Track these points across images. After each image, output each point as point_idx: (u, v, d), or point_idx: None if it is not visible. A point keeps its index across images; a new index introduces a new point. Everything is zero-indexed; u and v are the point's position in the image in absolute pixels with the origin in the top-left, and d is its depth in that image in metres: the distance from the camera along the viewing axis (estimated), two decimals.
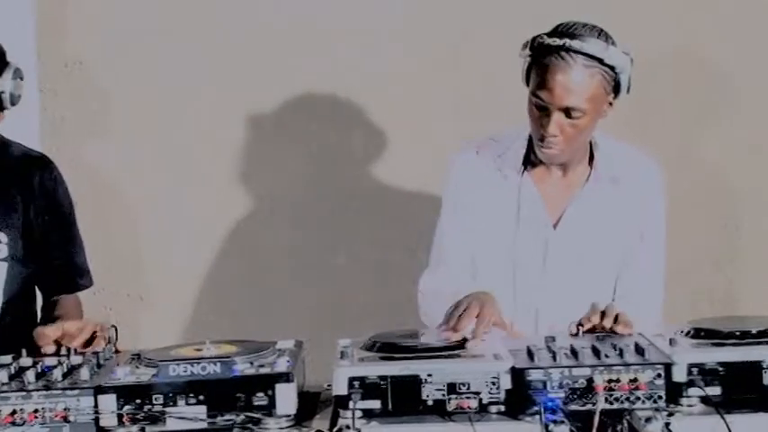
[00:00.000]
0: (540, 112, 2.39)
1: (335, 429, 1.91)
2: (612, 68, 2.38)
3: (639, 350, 2.00)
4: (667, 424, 1.90)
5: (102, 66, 3.33)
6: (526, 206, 2.52)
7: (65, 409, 1.92)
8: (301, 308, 3.36)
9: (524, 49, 2.44)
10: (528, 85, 2.44)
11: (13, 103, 2.33)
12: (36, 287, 2.55)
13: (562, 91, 2.35)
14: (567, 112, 2.37)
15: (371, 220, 3.40)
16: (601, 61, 2.37)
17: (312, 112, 3.37)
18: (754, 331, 2.06)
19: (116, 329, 2.27)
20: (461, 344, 2.10)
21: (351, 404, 1.93)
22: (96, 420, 1.93)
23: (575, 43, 2.36)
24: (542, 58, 2.37)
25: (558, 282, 2.52)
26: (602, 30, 2.41)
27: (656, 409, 1.94)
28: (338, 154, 3.40)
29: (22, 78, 2.33)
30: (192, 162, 3.34)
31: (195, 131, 3.33)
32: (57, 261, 2.49)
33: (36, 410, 1.91)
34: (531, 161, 2.54)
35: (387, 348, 2.06)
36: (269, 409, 1.95)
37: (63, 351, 2.16)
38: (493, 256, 2.55)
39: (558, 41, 2.36)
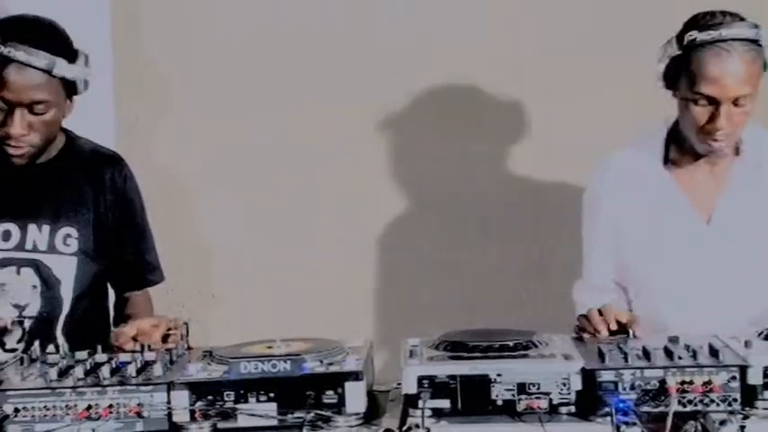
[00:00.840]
0: (705, 108, 2.34)
1: (405, 428, 1.91)
2: (761, 47, 2.34)
3: (713, 352, 1.96)
4: (742, 427, 1.86)
5: (175, 66, 3.35)
6: (672, 205, 2.48)
7: (138, 405, 1.94)
8: (370, 307, 3.35)
9: (667, 50, 2.40)
10: (671, 85, 2.40)
11: (85, 89, 2.34)
12: (108, 283, 2.57)
13: (733, 82, 2.32)
14: (736, 101, 2.32)
15: (442, 220, 3.37)
16: (755, 42, 2.33)
17: (388, 112, 3.36)
18: None
19: (187, 326, 2.29)
20: (531, 343, 2.07)
21: (420, 403, 1.92)
22: (169, 416, 1.94)
23: (730, 32, 2.33)
24: (699, 54, 2.33)
25: (717, 279, 2.46)
26: (733, 12, 2.38)
27: (731, 412, 1.89)
28: (413, 154, 3.36)
29: (90, 65, 2.34)
30: (262, 162, 3.36)
31: (266, 132, 3.34)
32: (127, 257, 2.52)
33: (111, 405, 1.94)
34: (670, 159, 2.49)
35: (456, 347, 2.04)
36: (338, 408, 1.95)
37: (137, 347, 2.18)
38: (643, 259, 2.51)
39: (713, 33, 2.33)
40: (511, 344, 2.04)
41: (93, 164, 2.46)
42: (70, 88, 2.33)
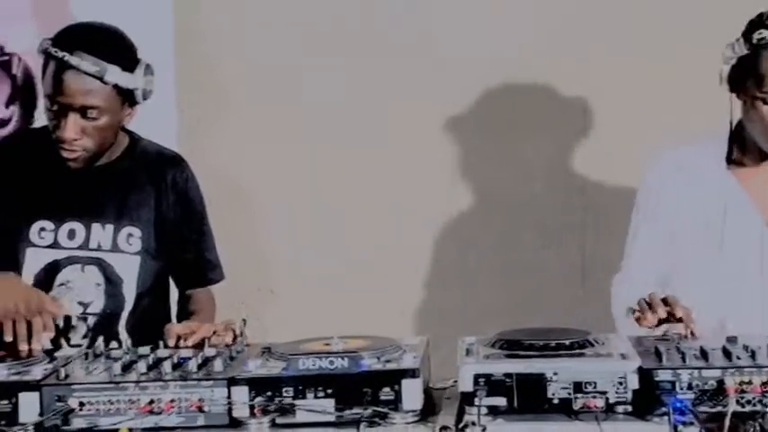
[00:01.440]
0: None
1: (461, 425, 1.91)
2: None
3: None
4: None
5: (236, 69, 3.39)
6: (733, 205, 2.46)
7: (200, 400, 1.96)
8: (428, 305, 3.36)
9: (735, 50, 2.38)
10: (736, 86, 2.40)
11: (144, 98, 2.38)
12: (170, 281, 2.60)
13: None
14: None
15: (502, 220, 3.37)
16: None
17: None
18: None
19: (245, 323, 2.31)
20: (587, 342, 2.06)
21: (476, 401, 1.92)
22: (229, 411, 1.96)
23: None
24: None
25: None
26: None
27: None
28: (473, 156, 3.37)
29: (152, 74, 2.37)
30: (320, 162, 3.38)
31: (325, 133, 3.37)
32: (188, 256, 2.55)
33: (172, 400, 1.96)
34: (734, 159, 2.47)
35: (512, 346, 2.04)
36: (395, 404, 1.95)
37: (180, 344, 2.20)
38: (700, 257, 2.50)
39: None
40: (567, 342, 2.03)
41: (156, 164, 2.50)
42: (126, 96, 2.34)
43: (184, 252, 2.54)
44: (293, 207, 3.41)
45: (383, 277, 3.39)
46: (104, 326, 2.40)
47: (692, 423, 1.85)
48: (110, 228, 2.43)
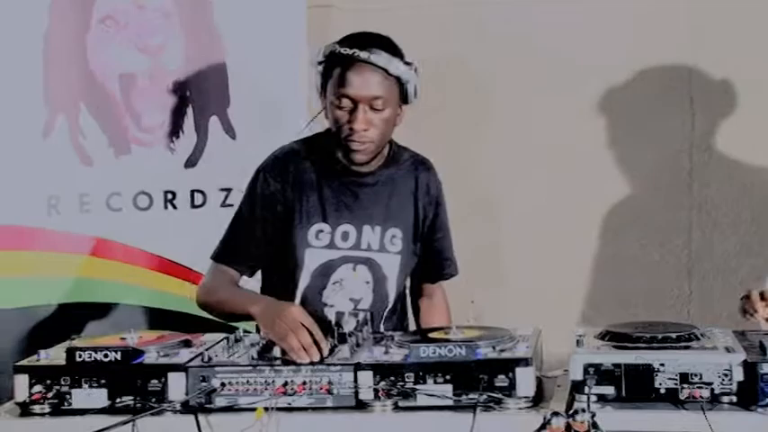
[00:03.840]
0: None
1: (571, 411, 1.94)
2: None
3: None
4: None
5: None
6: None
7: (329, 383, 2.05)
8: (539, 297, 3.39)
9: None
10: None
11: (415, 96, 2.44)
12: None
13: None
14: None
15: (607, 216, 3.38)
16: None
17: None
18: None
19: (373, 315, 2.38)
20: (693, 335, 2.09)
21: (586, 389, 1.97)
22: (356, 394, 2.04)
23: None
24: None
25: None
26: None
27: None
28: (567, 150, 3.39)
29: (418, 75, 2.43)
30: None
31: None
32: (433, 253, 2.61)
33: (304, 383, 2.06)
34: None
35: (620, 338, 2.08)
36: (509, 391, 2.01)
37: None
38: None
39: None
40: (674, 335, 2.06)
41: (413, 170, 2.56)
42: (403, 92, 2.41)
43: (431, 250, 2.60)
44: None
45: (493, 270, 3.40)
46: (371, 321, 2.44)
47: None
48: (378, 229, 2.49)
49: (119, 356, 2.11)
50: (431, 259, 2.59)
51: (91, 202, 3.04)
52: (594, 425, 1.92)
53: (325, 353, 2.11)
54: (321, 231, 2.46)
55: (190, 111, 3.09)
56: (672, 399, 1.97)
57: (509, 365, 2.01)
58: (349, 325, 2.31)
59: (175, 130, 3.09)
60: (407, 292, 2.65)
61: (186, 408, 2.07)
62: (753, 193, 3.35)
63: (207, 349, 2.19)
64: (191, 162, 3.10)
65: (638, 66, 3.37)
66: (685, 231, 3.39)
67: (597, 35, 3.37)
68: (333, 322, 2.35)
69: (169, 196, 3.09)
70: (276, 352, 2.12)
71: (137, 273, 3.07)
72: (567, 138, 3.40)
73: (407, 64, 2.39)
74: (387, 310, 2.52)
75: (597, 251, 3.42)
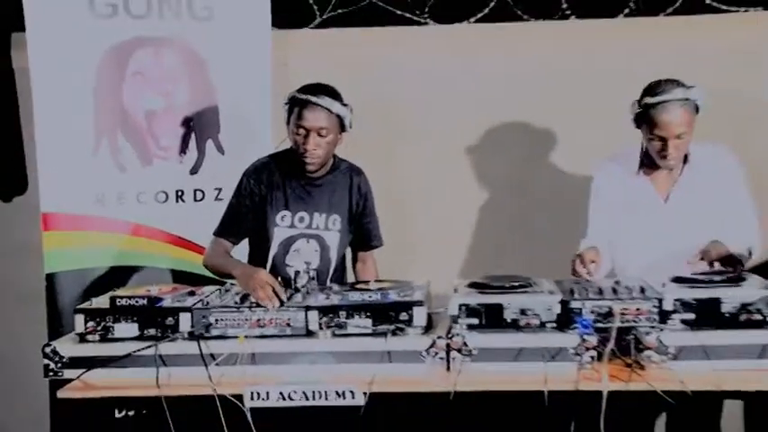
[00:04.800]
0: None
1: (450, 335, 2.19)
2: None
3: (642, 290, 2.26)
4: (659, 337, 2.09)
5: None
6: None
7: (288, 319, 2.29)
8: (434, 258, 3.43)
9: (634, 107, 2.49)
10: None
11: (350, 127, 2.63)
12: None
13: None
14: None
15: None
16: None
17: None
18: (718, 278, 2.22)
19: (317, 273, 2.62)
20: (528, 283, 2.32)
21: (459, 320, 2.20)
22: (306, 326, 2.24)
23: None
24: None
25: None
26: None
27: (652, 327, 2.13)
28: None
29: (352, 113, 2.58)
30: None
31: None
32: (363, 231, 2.85)
33: (271, 319, 2.29)
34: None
35: (482, 286, 2.38)
36: (409, 322, 2.27)
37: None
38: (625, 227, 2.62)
39: None
40: (516, 284, 2.37)
41: (349, 175, 2.80)
42: (341, 124, 2.65)
43: (361, 229, 2.84)
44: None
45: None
46: (318, 277, 2.64)
47: (592, 334, 2.14)
48: (324, 215, 2.74)
49: (145, 302, 2.36)
50: (363, 236, 2.94)
51: (125, 197, 3.13)
52: (465, 344, 2.16)
53: (285, 301, 2.36)
54: (285, 216, 2.79)
55: (193, 136, 3.25)
56: (515, 326, 2.24)
57: (409, 305, 2.26)
58: (303, 279, 2.52)
59: (183, 148, 3.23)
60: (348, 259, 2.97)
61: (191, 336, 2.29)
62: None
63: (206, 297, 2.46)
64: (194, 170, 3.25)
65: None
66: None
67: None
68: (292, 278, 2.60)
69: (180, 193, 3.20)
70: (252, 299, 2.27)
71: (158, 246, 3.17)
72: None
73: (344, 105, 2.73)
74: (331, 271, 2.84)
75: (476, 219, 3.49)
